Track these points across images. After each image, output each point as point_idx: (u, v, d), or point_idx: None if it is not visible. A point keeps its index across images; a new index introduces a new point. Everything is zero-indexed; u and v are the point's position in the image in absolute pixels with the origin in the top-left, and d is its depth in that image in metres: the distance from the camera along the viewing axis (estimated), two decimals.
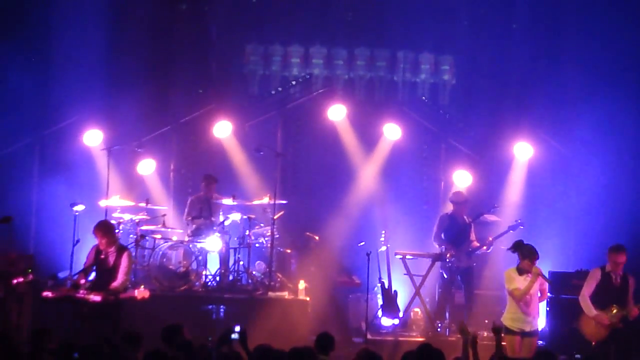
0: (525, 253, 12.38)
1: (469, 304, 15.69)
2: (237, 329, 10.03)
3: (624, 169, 16.94)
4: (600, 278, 13.14)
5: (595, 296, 13.12)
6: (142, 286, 13.22)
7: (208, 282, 15.64)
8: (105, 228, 13.06)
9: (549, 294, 14.76)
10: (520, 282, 12.38)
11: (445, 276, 15.82)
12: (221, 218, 16.08)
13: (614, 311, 12.97)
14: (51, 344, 9.81)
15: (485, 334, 14.07)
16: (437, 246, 15.95)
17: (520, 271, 12.44)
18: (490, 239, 15.75)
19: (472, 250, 15.75)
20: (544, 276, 12.47)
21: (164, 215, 16.05)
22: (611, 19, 17.04)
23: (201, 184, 16.60)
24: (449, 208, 16.25)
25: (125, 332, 10.31)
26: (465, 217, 15.97)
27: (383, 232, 16.24)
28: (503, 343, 11.53)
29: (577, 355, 12.65)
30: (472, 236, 15.91)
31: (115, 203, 15.94)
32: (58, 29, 17.15)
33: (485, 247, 15.80)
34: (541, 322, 14.96)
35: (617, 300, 13.02)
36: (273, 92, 18.57)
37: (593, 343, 13.05)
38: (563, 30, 17.76)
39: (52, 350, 9.65)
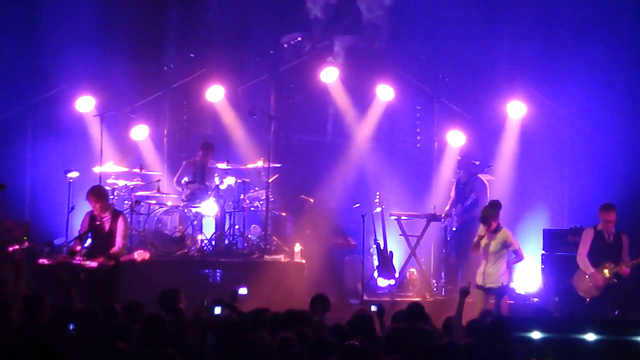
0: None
1: (462, 263, 15.73)
2: (241, 290, 10.15)
3: (617, 126, 16.92)
4: (593, 237, 13.22)
5: (589, 255, 13.19)
6: (140, 250, 13.22)
7: (204, 247, 15.65)
8: (98, 193, 13.01)
9: (543, 252, 14.89)
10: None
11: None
12: (217, 181, 16.06)
13: (606, 273, 13.03)
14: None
15: None
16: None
17: None
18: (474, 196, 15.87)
19: (464, 210, 15.79)
20: (477, 239, 12.77)
21: (159, 180, 16.04)
22: None
23: (198, 151, 16.45)
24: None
25: (126, 302, 10.28)
26: (464, 177, 16.00)
27: (377, 193, 16.24)
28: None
29: None
30: (473, 195, 15.91)
31: (109, 169, 15.91)
32: None
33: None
34: (536, 280, 15.11)
35: (611, 258, 13.09)
36: (265, 55, 18.48)
37: (587, 300, 13.14)
38: None
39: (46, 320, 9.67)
